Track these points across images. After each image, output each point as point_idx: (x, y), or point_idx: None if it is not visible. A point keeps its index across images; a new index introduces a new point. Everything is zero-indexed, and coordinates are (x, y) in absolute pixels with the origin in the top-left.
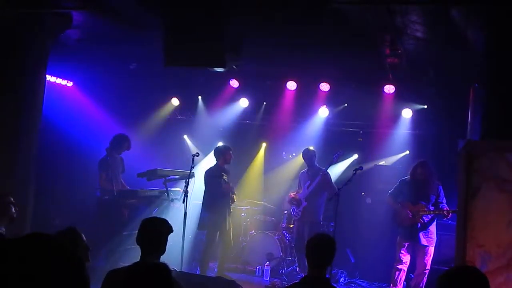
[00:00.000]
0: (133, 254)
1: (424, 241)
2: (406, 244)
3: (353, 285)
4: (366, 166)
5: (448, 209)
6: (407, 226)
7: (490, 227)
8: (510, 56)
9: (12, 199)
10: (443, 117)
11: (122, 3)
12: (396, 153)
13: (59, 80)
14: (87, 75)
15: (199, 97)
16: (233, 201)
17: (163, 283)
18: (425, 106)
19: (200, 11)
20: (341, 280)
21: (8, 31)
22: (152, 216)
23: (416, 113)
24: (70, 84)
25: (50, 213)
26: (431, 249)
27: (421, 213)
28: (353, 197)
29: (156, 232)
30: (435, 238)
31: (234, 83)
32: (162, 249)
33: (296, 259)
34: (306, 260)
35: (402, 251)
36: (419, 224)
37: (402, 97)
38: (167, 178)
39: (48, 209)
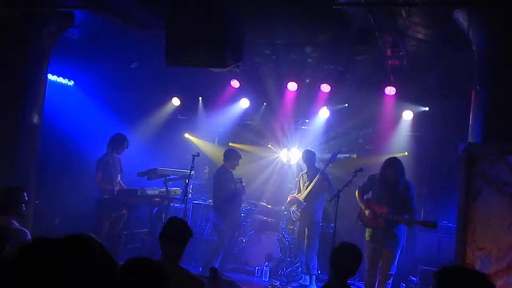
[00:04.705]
0: (133, 254)
1: (387, 245)
2: (372, 246)
3: (352, 286)
4: (366, 168)
5: (409, 218)
6: (371, 227)
7: (490, 230)
8: None
9: (25, 195)
10: (444, 119)
11: (124, 3)
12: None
13: (60, 79)
14: (88, 74)
15: (200, 97)
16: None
17: (154, 278)
18: (427, 108)
19: (201, 11)
20: None
21: (10, 29)
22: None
23: (417, 115)
24: (71, 83)
25: (51, 212)
26: (395, 254)
27: (384, 216)
28: (353, 198)
29: (178, 233)
30: (401, 242)
31: (235, 83)
32: (181, 251)
33: (296, 260)
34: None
35: (369, 254)
36: (383, 226)
37: (403, 99)
38: (167, 177)
39: (49, 208)
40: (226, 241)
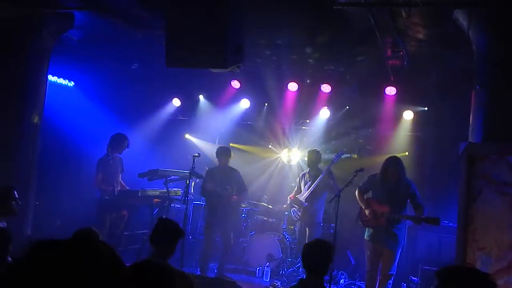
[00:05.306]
0: (134, 255)
1: (388, 245)
2: (373, 246)
3: (353, 286)
4: (366, 168)
5: (415, 216)
6: (372, 227)
7: (491, 229)
8: None
9: (16, 193)
10: (444, 119)
11: (124, 4)
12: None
13: (60, 80)
14: (88, 75)
15: (201, 97)
16: (237, 203)
17: (159, 280)
18: (426, 108)
19: (202, 12)
20: (341, 281)
21: (10, 30)
22: (166, 217)
23: (417, 115)
24: (71, 84)
25: (51, 213)
26: (396, 254)
27: (385, 215)
28: (354, 199)
29: (168, 233)
30: (401, 241)
31: (236, 84)
32: (172, 250)
33: (297, 260)
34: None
35: (369, 254)
36: (384, 226)
37: (403, 99)
38: (168, 178)
39: (50, 209)
40: (209, 239)
